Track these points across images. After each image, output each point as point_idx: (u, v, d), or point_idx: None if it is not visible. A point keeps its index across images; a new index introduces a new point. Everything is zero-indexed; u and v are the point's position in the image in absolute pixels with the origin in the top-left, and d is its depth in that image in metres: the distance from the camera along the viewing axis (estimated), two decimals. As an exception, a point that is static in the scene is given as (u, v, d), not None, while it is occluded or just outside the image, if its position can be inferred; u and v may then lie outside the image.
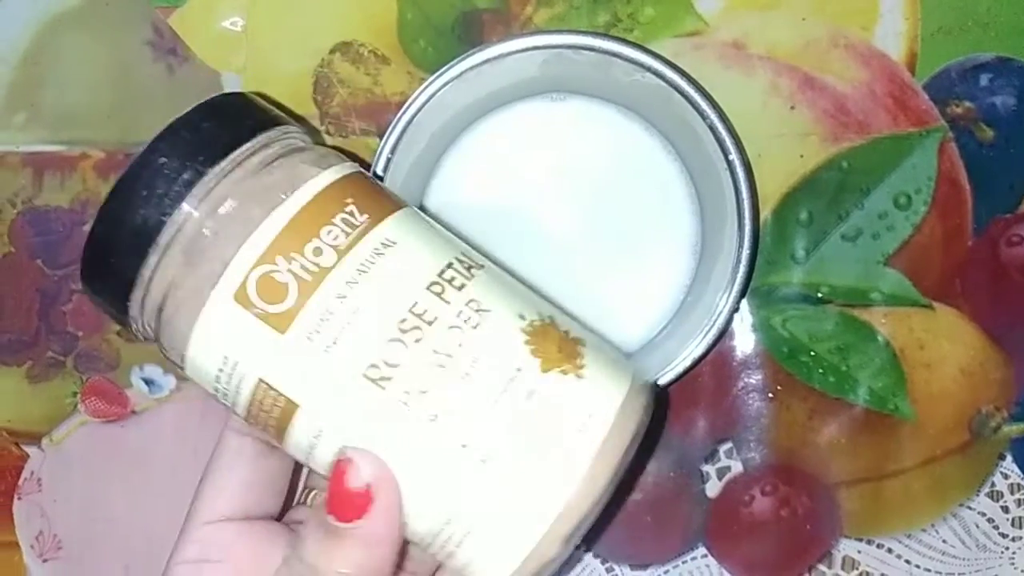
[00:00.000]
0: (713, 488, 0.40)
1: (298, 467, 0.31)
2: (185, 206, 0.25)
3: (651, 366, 0.36)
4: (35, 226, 0.41)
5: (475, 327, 0.25)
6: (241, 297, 0.24)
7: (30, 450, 0.42)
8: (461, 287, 0.25)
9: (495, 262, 0.28)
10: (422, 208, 0.38)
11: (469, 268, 0.26)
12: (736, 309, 0.36)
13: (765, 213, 0.39)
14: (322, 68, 0.40)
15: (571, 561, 0.41)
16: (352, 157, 0.28)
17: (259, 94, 0.29)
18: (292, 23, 0.40)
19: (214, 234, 0.25)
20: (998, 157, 0.39)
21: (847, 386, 0.39)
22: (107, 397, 0.42)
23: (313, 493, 0.31)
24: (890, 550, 0.40)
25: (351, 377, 0.24)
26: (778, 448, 0.40)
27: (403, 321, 0.24)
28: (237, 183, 0.25)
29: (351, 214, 0.25)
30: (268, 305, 0.24)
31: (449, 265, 0.26)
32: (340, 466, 0.24)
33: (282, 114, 0.28)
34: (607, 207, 0.38)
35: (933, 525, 0.40)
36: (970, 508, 0.40)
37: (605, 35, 0.35)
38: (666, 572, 0.41)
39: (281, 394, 0.25)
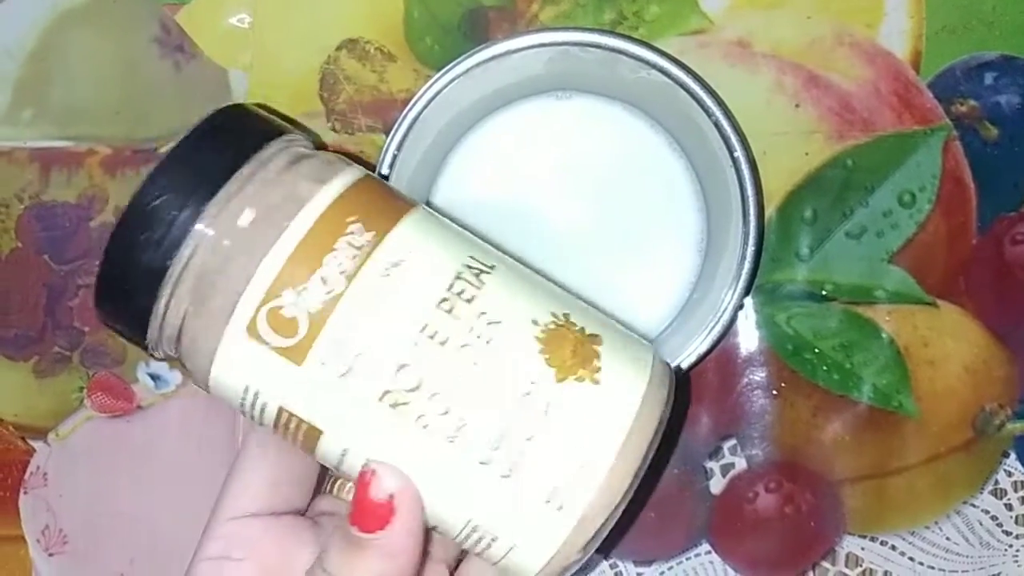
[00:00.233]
0: (717, 485, 0.40)
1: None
2: (190, 242, 0.25)
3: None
4: (42, 221, 0.41)
5: (488, 342, 0.25)
6: (253, 332, 0.24)
7: (36, 445, 0.42)
8: (471, 299, 0.25)
9: (506, 253, 0.28)
10: (428, 205, 0.38)
11: (479, 274, 0.26)
12: (741, 306, 0.36)
13: (769, 210, 0.39)
14: (328, 65, 0.40)
15: (590, 564, 0.41)
16: (357, 155, 0.28)
17: (261, 105, 0.29)
18: (299, 20, 0.40)
19: (221, 267, 0.25)
20: (1002, 155, 0.39)
21: (851, 383, 0.40)
22: (113, 392, 0.42)
23: (339, 482, 0.31)
24: (894, 547, 0.40)
25: (367, 402, 0.24)
26: (782, 445, 0.40)
27: (415, 345, 0.24)
28: (237, 212, 0.25)
29: (355, 234, 0.25)
30: (280, 338, 0.24)
31: (458, 276, 0.25)
32: (363, 478, 0.24)
33: (280, 122, 0.28)
34: (612, 204, 0.38)
35: (937, 522, 0.40)
36: (974, 506, 0.40)
37: (611, 32, 0.35)
38: (670, 568, 0.41)
39: (304, 420, 0.25)
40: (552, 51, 0.35)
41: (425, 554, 0.27)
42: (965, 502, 0.40)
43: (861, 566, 0.41)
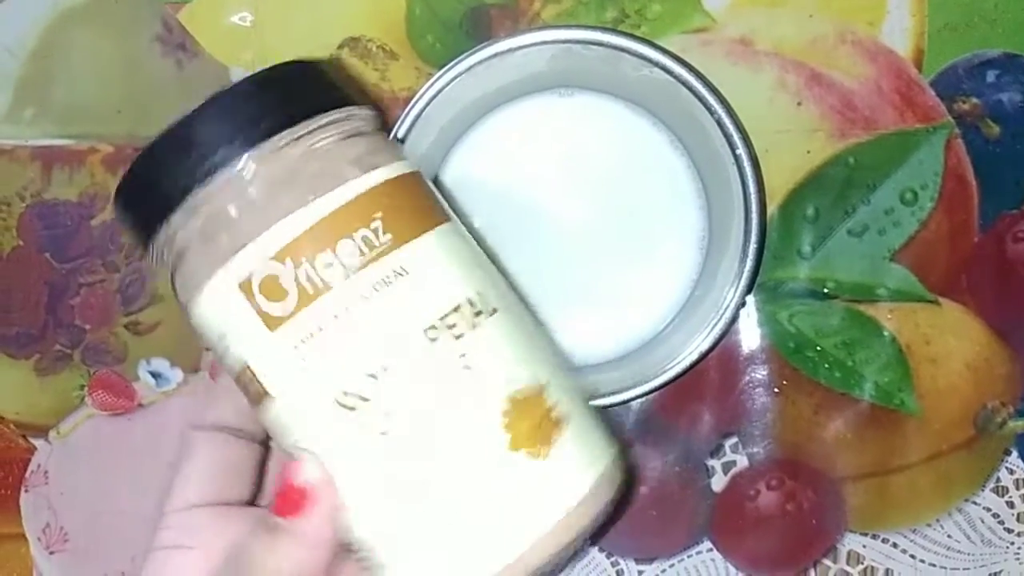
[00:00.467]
0: (719, 482, 0.40)
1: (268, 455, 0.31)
2: (219, 178, 0.25)
3: (658, 360, 0.36)
4: (43, 220, 0.41)
5: (455, 387, 0.25)
6: (245, 287, 0.24)
7: (37, 442, 0.42)
8: (459, 336, 0.25)
9: (517, 292, 0.28)
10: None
11: (478, 314, 0.25)
12: (743, 304, 0.36)
13: (772, 208, 0.39)
14: (330, 63, 0.40)
15: (591, 561, 0.41)
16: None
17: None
18: (301, 18, 0.40)
19: (238, 214, 0.25)
20: (1004, 153, 0.39)
21: (853, 381, 0.40)
22: (114, 390, 0.42)
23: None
24: (895, 545, 0.40)
25: (322, 394, 0.25)
26: (784, 443, 0.40)
27: (387, 359, 0.24)
28: (275, 168, 0.25)
29: (375, 231, 0.24)
30: (266, 302, 0.24)
31: (456, 308, 0.25)
32: (287, 467, 0.25)
33: (350, 93, 0.27)
34: (615, 202, 0.38)
35: (938, 520, 0.40)
36: (975, 503, 0.40)
37: (613, 30, 0.35)
38: (671, 566, 0.41)
39: (260, 383, 0.25)
40: (555, 48, 0.35)
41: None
42: (967, 500, 0.40)
43: (863, 564, 0.41)
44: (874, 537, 0.40)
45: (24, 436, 0.42)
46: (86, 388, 0.42)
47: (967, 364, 0.40)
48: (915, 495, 0.40)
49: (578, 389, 0.27)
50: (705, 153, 0.37)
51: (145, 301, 0.41)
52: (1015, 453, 0.40)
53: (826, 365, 0.40)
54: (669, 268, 0.38)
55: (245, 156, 0.24)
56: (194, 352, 0.41)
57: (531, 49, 0.35)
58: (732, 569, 0.41)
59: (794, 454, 0.40)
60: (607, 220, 0.38)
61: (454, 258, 0.26)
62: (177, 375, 0.41)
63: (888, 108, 0.39)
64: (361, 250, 0.24)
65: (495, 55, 0.35)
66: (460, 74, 0.35)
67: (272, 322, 0.24)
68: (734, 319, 0.36)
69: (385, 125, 0.29)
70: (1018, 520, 0.40)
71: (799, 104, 0.39)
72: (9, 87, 0.41)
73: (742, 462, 0.40)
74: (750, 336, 0.40)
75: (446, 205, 0.27)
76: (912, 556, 0.40)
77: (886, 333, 0.39)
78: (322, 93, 0.26)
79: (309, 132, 0.25)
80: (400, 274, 0.25)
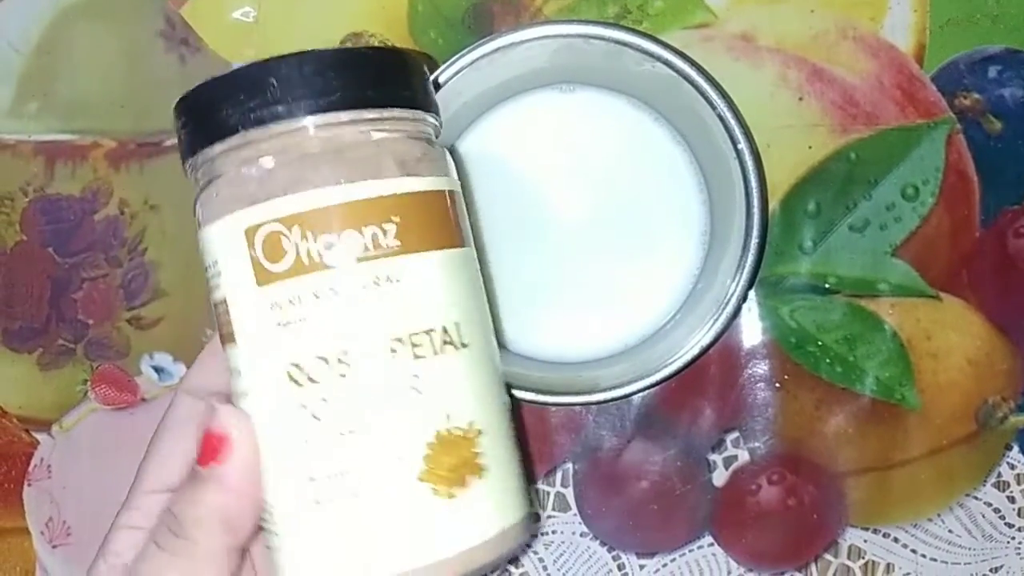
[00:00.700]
0: (720, 477, 0.40)
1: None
2: (270, 131, 0.25)
3: (659, 354, 0.37)
4: (46, 214, 0.42)
5: (396, 403, 0.25)
6: (250, 234, 0.25)
7: (40, 437, 0.42)
8: (420, 358, 0.25)
9: (497, 332, 0.28)
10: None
11: (447, 343, 0.26)
12: (744, 298, 0.36)
13: (773, 203, 0.39)
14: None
15: (592, 557, 0.41)
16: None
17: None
18: (303, 13, 0.40)
19: (272, 169, 0.25)
20: (1006, 149, 0.39)
21: (854, 376, 0.40)
22: (117, 385, 0.42)
23: None
24: (896, 539, 0.41)
25: (278, 360, 0.25)
26: (785, 437, 0.40)
27: (345, 353, 0.25)
28: (324, 141, 0.25)
29: (385, 233, 0.25)
30: (263, 257, 0.25)
31: (429, 331, 0.26)
32: (208, 417, 0.26)
33: (426, 96, 0.28)
34: (617, 196, 0.38)
35: (939, 515, 0.40)
36: (976, 498, 0.40)
37: (615, 25, 0.36)
38: (672, 560, 0.41)
39: (230, 323, 0.26)
40: (557, 43, 0.35)
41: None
42: (968, 495, 0.40)
43: (864, 558, 0.41)
44: (875, 532, 0.41)
45: (27, 430, 0.42)
46: (89, 383, 0.42)
47: (968, 359, 0.40)
48: (916, 490, 0.40)
49: (513, 446, 0.28)
50: (707, 148, 0.37)
51: (148, 296, 0.41)
52: (1016, 448, 0.40)
53: (827, 360, 0.40)
54: (671, 263, 0.38)
55: (305, 119, 0.25)
56: (196, 347, 0.41)
57: (533, 44, 0.35)
58: (733, 564, 0.41)
59: (795, 449, 0.40)
60: (609, 215, 0.39)
61: (450, 284, 0.26)
62: (180, 369, 0.42)
63: (890, 104, 0.39)
64: (366, 246, 0.25)
65: (497, 50, 0.35)
66: (462, 69, 0.35)
67: (262, 276, 0.25)
68: (736, 314, 0.36)
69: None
70: (1019, 515, 0.40)
71: (801, 99, 0.39)
72: (12, 82, 0.41)
73: (743, 457, 0.40)
74: (751, 331, 0.40)
75: (469, 233, 0.28)
76: (913, 551, 0.40)
77: (887, 328, 0.39)
78: (402, 88, 0.27)
79: (371, 120, 0.26)
80: (391, 281, 0.25)
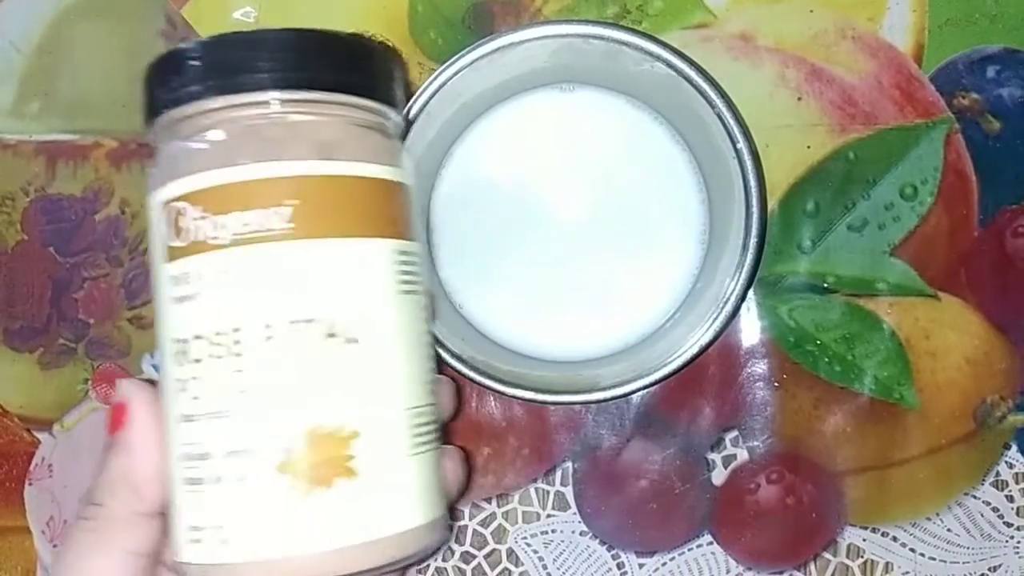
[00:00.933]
0: (719, 476, 0.40)
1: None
2: (218, 102, 0.26)
3: (658, 353, 0.37)
4: (48, 214, 0.42)
5: (264, 391, 0.25)
6: (163, 209, 0.26)
7: (41, 436, 0.42)
8: (294, 347, 0.25)
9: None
10: (432, 198, 0.39)
11: (332, 336, 0.25)
12: (744, 297, 0.36)
13: (772, 203, 0.39)
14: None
15: (592, 556, 0.41)
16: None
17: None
18: (303, 14, 0.40)
19: (190, 148, 0.26)
20: (1004, 148, 0.39)
21: (853, 375, 0.40)
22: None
23: None
24: (895, 538, 0.41)
25: (168, 332, 0.26)
26: (784, 436, 0.40)
27: (221, 335, 0.25)
28: (239, 119, 0.26)
29: (278, 216, 0.25)
30: (169, 231, 0.26)
31: (310, 321, 0.25)
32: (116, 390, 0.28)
33: (399, 94, 0.28)
34: (616, 196, 0.39)
35: (938, 514, 0.40)
36: (975, 497, 0.40)
37: (615, 25, 0.36)
38: (671, 559, 0.41)
39: (155, 295, 0.27)
40: (556, 43, 0.36)
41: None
42: (966, 494, 0.40)
43: (862, 557, 0.41)
44: (874, 531, 0.41)
45: (28, 430, 0.42)
46: (90, 382, 0.42)
47: (967, 358, 0.40)
48: (915, 489, 0.40)
49: (409, 454, 0.26)
50: (706, 148, 0.37)
51: (149, 295, 0.41)
52: (1015, 447, 0.40)
53: (826, 359, 0.40)
54: (670, 262, 0.38)
55: (217, 99, 0.26)
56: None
57: (533, 44, 0.35)
58: (732, 562, 0.41)
59: (794, 448, 0.40)
60: (608, 214, 0.39)
61: (347, 274, 0.25)
62: (180, 369, 0.42)
63: (888, 103, 0.39)
64: (258, 223, 0.25)
65: (497, 50, 0.35)
66: (462, 69, 0.35)
67: (168, 252, 0.26)
68: (735, 313, 0.36)
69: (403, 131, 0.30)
70: (1017, 514, 0.40)
71: (799, 99, 0.39)
72: (14, 82, 0.41)
73: (742, 456, 0.40)
74: (750, 330, 0.40)
75: (408, 227, 0.27)
76: (912, 550, 0.41)
77: (886, 327, 0.40)
78: (331, 71, 0.27)
79: (291, 101, 0.26)
80: (276, 265, 0.25)
